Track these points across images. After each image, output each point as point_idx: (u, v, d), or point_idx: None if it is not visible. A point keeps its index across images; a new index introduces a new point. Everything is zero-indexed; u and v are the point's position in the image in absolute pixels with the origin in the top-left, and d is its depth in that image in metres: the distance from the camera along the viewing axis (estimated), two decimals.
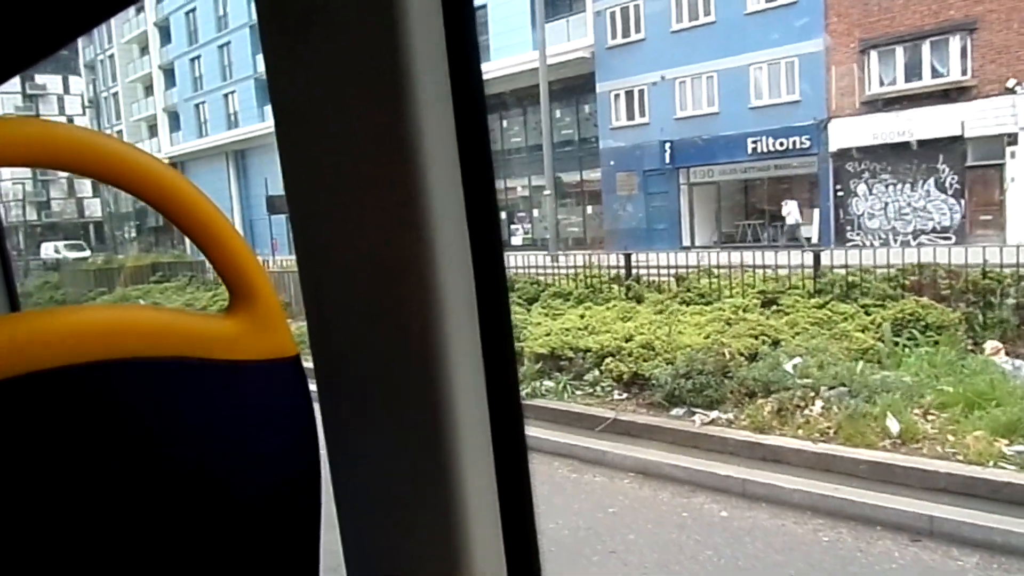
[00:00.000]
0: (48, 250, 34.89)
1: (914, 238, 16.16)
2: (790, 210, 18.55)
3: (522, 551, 0.70)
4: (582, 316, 8.99)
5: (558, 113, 23.68)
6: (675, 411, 6.78)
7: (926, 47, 16.03)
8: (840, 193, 17.59)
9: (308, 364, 0.68)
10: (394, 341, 0.65)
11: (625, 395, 7.21)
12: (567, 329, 8.28)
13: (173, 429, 0.56)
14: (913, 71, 16.30)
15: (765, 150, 18.62)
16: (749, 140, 18.75)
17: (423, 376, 0.63)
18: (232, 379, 0.58)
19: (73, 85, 58.15)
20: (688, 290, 9.60)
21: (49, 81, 56.10)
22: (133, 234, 38.56)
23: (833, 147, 17.39)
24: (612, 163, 21.24)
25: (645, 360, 7.20)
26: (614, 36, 21.03)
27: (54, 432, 0.51)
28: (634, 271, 10.98)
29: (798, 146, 18.03)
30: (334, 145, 0.65)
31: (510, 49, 22.81)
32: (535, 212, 24.98)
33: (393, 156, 0.61)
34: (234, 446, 0.58)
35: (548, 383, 7.59)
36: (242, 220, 30.60)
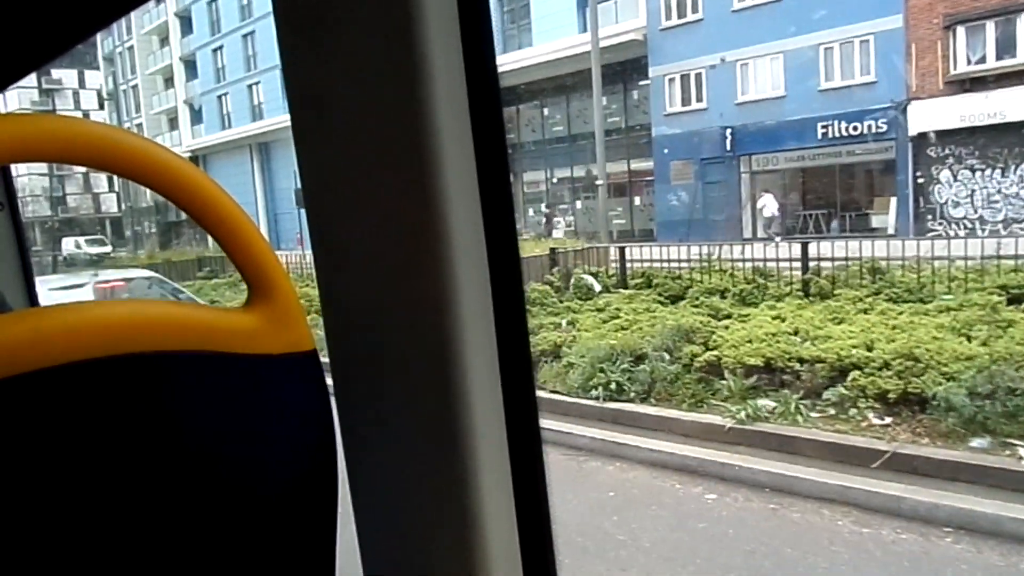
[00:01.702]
0: (69, 246, 34.19)
1: (1004, 227, 15.07)
2: (765, 203, 18.12)
3: (538, 550, 0.70)
4: (780, 318, 7.63)
5: (604, 100, 22.69)
6: (976, 442, 5.22)
7: (1021, 21, 14.92)
8: (920, 180, 16.50)
9: (324, 360, 0.67)
10: (410, 338, 0.65)
11: (888, 419, 5.65)
12: (772, 335, 6.87)
13: (191, 422, 0.56)
14: (1005, 47, 15.18)
15: (836, 135, 17.54)
16: (819, 125, 17.67)
17: (439, 373, 0.64)
18: (250, 372, 0.58)
19: (89, 79, 57.81)
20: (893, 285, 8.42)
21: (65, 76, 55.79)
22: (152, 229, 37.89)
23: (912, 131, 16.28)
24: (666, 151, 20.21)
25: (914, 374, 5.74)
26: (668, 17, 19.98)
27: (74, 426, 0.51)
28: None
29: (873, 130, 16.94)
30: (350, 142, 0.65)
31: (552, 33, 21.82)
32: (577, 204, 24.00)
33: (409, 153, 0.61)
34: (252, 439, 0.59)
35: (766, 402, 6.10)
36: (267, 214, 29.80)
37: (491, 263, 0.65)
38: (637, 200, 22.47)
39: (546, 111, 24.18)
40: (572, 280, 10.65)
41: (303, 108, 0.67)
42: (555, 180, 25.15)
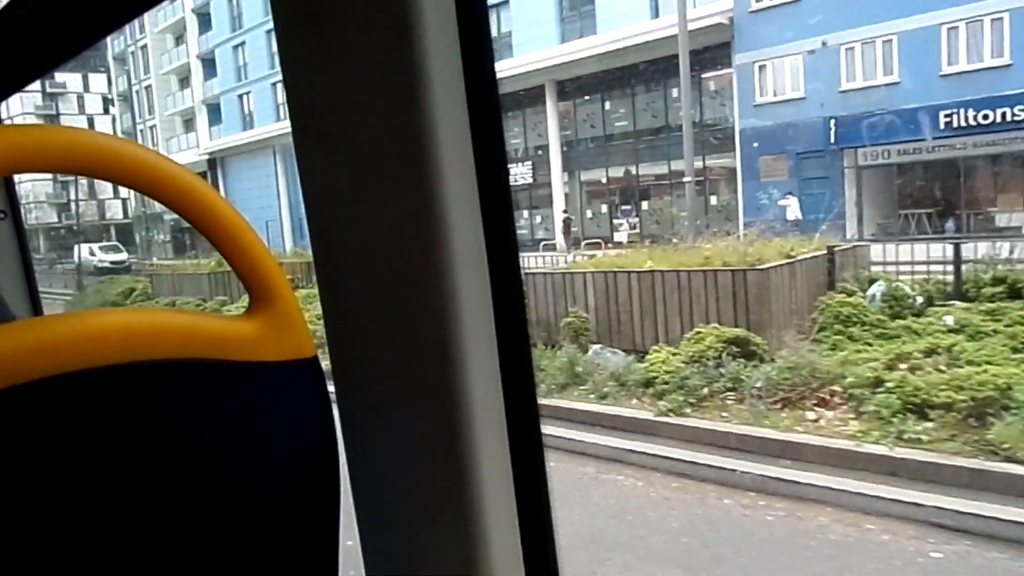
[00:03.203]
0: (83, 253, 32.25)
1: None
2: (789, 203, 17.15)
3: (539, 551, 0.70)
4: None
5: (674, 92, 20.98)
6: None
7: None
8: None
9: (325, 364, 0.68)
10: (411, 341, 0.65)
11: None
12: None
13: (194, 430, 0.57)
14: None
15: (962, 124, 15.81)
16: (941, 113, 15.93)
17: (440, 376, 0.64)
18: (252, 380, 0.59)
19: (93, 83, 56.10)
20: None
21: (69, 79, 54.10)
22: (162, 236, 36.02)
23: None
24: (755, 145, 18.46)
25: None
26: None
27: (78, 435, 0.52)
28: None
29: (1008, 119, 15.21)
30: (350, 147, 0.65)
31: (620, 20, 20.12)
32: (644, 204, 22.25)
33: (409, 157, 0.61)
34: (254, 446, 0.59)
35: None
36: (291, 218, 27.96)
37: (491, 266, 0.65)
38: (713, 200, 20.72)
39: (608, 105, 22.45)
40: (878, 290, 8.44)
41: (303, 113, 0.68)
42: (605, 179, 23.44)
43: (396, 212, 0.63)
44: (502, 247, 0.66)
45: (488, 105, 0.64)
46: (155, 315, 0.57)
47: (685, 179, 17.68)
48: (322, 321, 0.72)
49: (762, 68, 18.39)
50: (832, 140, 17.27)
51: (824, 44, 17.15)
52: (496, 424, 0.67)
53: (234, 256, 0.58)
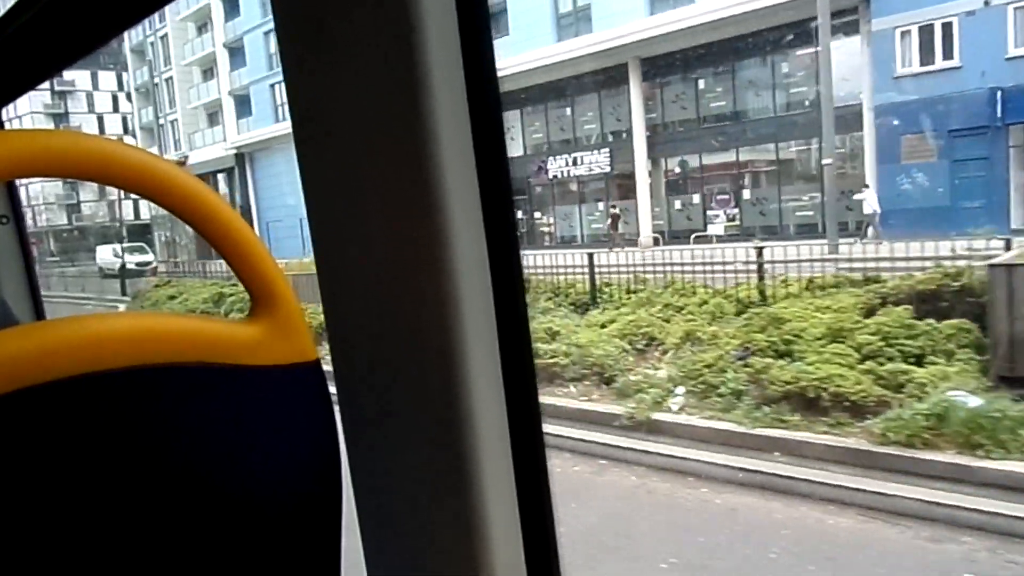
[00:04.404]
0: (105, 254, 29.96)
1: None
2: (865, 197, 15.81)
3: (541, 553, 0.70)
4: None
5: (784, 68, 18.76)
6: None
7: None
8: None
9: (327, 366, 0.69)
10: (412, 344, 0.66)
11: None
12: None
13: (196, 434, 0.57)
14: None
15: None
16: None
17: (442, 378, 0.64)
18: (254, 384, 0.59)
19: (103, 81, 54.10)
20: None
21: (78, 77, 52.13)
22: (180, 238, 33.78)
23: None
24: (895, 123, 16.20)
25: None
26: None
27: (79, 438, 0.52)
28: None
29: None
30: (352, 149, 0.65)
31: None
32: (745, 193, 20.00)
33: (410, 159, 0.61)
34: (256, 450, 0.60)
35: None
36: None
37: (493, 270, 0.65)
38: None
39: (701, 84, 20.22)
40: None
41: (305, 117, 0.68)
42: (688, 166, 21.26)
43: (397, 213, 0.63)
44: (504, 248, 0.66)
45: (490, 106, 0.64)
46: (157, 319, 0.57)
47: (825, 162, 15.46)
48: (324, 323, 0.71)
49: (904, 34, 16.14)
50: (999, 115, 14.98)
51: (986, 3, 14.91)
52: (498, 425, 0.66)
53: (236, 259, 0.58)
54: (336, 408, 0.68)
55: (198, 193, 0.57)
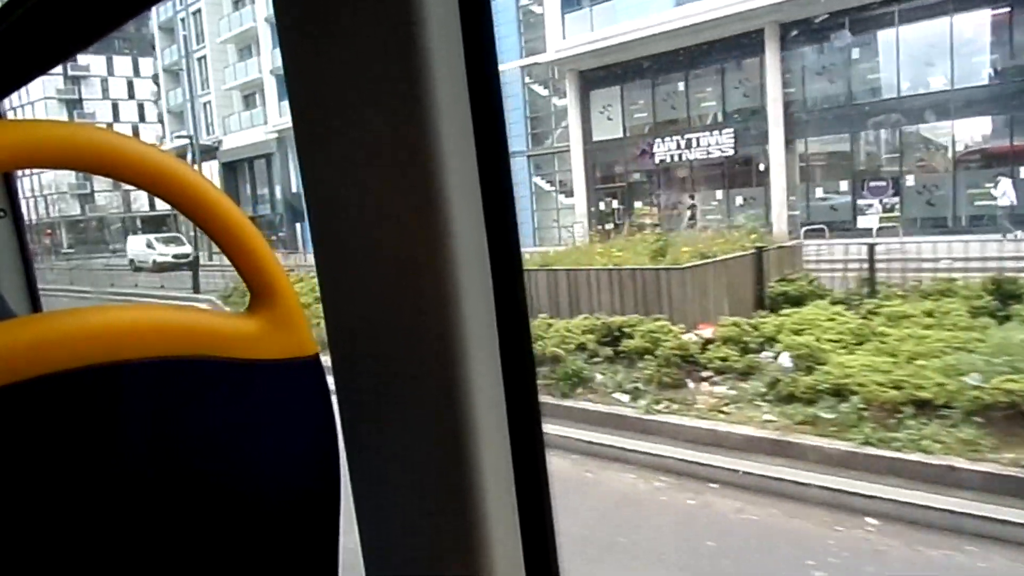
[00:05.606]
0: (137, 246, 27.10)
1: None
2: (1004, 189, 14.71)
3: (540, 551, 0.70)
4: None
5: (965, 31, 16.03)
6: None
7: None
8: None
9: (326, 361, 0.67)
10: (412, 341, 0.65)
11: None
12: None
13: (194, 427, 0.57)
14: None
15: None
16: None
17: (441, 375, 0.64)
18: (253, 378, 0.59)
19: (118, 66, 51.35)
20: None
21: (93, 62, 49.45)
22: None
23: None
24: None
25: None
26: None
27: (78, 431, 0.52)
28: None
29: None
30: (352, 145, 0.65)
31: None
32: (909, 179, 17.24)
33: (411, 155, 0.62)
34: (254, 444, 0.60)
35: None
36: None
37: (493, 266, 0.65)
38: None
39: (856, 52, 17.49)
40: None
41: (305, 111, 0.68)
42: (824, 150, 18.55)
43: (398, 209, 0.63)
44: (504, 245, 0.65)
45: (491, 101, 0.63)
46: (155, 312, 0.57)
47: None
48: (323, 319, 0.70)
49: None
50: None
51: None
52: (497, 423, 0.66)
53: (235, 253, 0.58)
54: (336, 407, 0.67)
55: (198, 186, 0.56)
